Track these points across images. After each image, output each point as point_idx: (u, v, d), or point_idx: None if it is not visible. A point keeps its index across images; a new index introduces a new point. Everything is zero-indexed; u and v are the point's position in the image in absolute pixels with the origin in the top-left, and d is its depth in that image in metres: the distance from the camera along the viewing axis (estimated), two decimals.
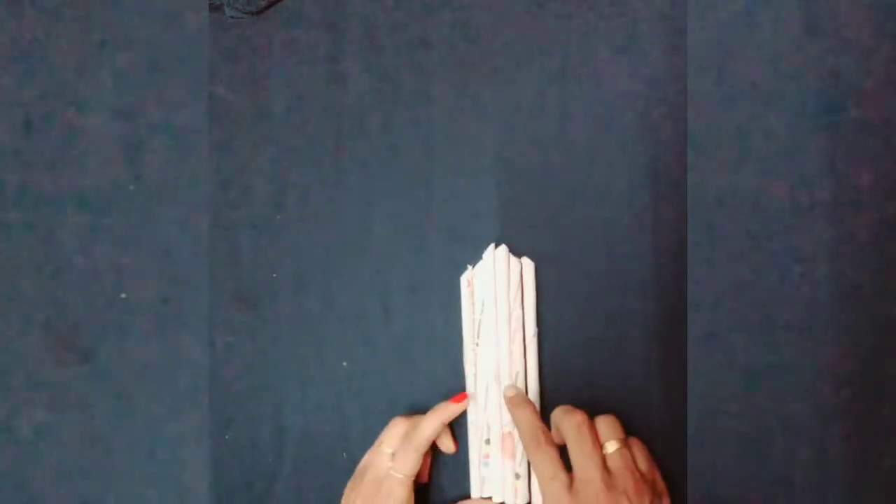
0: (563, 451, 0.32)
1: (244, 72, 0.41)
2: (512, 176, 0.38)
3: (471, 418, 0.37)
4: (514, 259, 0.36)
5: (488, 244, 0.37)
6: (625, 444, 0.32)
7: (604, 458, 0.31)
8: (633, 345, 0.36)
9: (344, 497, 0.36)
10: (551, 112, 0.37)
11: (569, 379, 0.36)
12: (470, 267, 0.37)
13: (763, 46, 0.31)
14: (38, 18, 0.29)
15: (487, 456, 0.36)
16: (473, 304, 0.37)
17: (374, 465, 0.35)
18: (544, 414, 0.36)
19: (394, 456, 0.35)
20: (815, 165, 0.30)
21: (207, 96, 0.33)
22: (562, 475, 0.31)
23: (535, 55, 0.37)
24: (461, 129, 0.38)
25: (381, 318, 0.39)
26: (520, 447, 0.35)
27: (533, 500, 0.36)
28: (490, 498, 0.36)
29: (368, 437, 0.37)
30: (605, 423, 0.33)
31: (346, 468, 0.37)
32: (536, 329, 0.37)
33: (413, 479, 0.35)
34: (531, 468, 0.35)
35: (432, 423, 0.35)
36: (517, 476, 0.35)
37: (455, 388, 0.37)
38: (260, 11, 0.40)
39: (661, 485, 0.32)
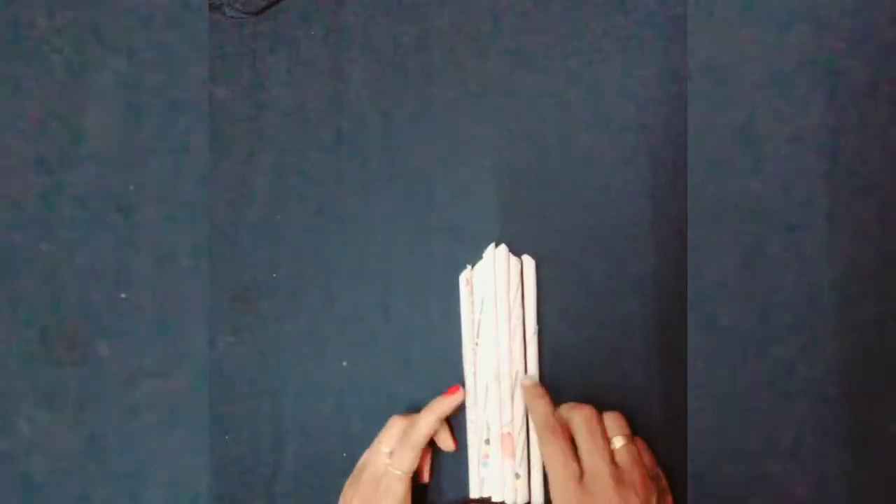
0: None
1: (244, 72, 0.41)
2: (512, 176, 0.38)
3: (470, 418, 0.37)
4: (513, 258, 0.36)
5: (488, 243, 0.37)
6: (631, 440, 0.32)
7: (612, 453, 0.31)
8: (632, 344, 0.36)
9: (342, 495, 0.36)
10: (551, 112, 0.37)
11: (568, 378, 0.37)
12: (469, 266, 0.37)
13: (763, 47, 0.31)
14: (39, 18, 0.29)
15: (487, 456, 0.36)
16: (473, 303, 0.37)
17: (372, 464, 0.35)
18: None
19: (392, 454, 0.35)
20: (814, 165, 0.30)
21: (207, 96, 0.33)
22: (573, 465, 0.31)
23: (535, 55, 0.37)
24: (461, 129, 0.38)
25: (381, 318, 0.39)
26: (519, 447, 0.35)
27: (532, 500, 0.36)
28: (490, 498, 0.36)
29: (368, 437, 0.37)
30: (612, 420, 0.33)
31: (345, 468, 0.37)
32: (536, 328, 0.37)
33: (411, 476, 0.35)
34: (542, 460, 0.35)
35: (428, 419, 0.35)
36: (517, 476, 0.35)
37: None
38: (260, 11, 0.40)
39: (664, 482, 0.33)
